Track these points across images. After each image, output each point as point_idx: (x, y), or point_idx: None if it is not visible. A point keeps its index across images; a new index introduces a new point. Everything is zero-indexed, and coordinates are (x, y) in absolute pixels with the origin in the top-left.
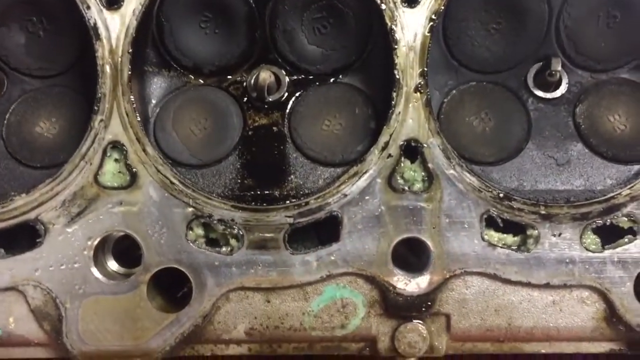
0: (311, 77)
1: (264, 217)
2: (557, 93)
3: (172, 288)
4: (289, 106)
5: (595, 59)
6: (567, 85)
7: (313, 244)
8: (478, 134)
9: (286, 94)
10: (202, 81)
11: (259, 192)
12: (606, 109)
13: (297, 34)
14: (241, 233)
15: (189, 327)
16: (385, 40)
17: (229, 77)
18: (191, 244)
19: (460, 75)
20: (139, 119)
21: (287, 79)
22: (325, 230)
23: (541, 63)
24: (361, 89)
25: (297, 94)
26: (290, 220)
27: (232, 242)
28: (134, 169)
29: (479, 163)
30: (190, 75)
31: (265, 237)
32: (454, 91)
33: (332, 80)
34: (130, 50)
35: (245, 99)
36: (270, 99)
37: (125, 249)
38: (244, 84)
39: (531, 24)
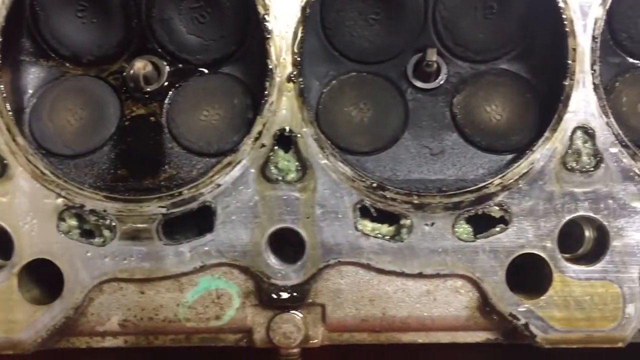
0: (191, 67)
1: (137, 207)
2: (436, 83)
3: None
4: (169, 96)
5: (474, 50)
6: (445, 75)
7: (195, 235)
8: (355, 124)
9: (166, 84)
10: (81, 71)
11: (132, 183)
12: (484, 100)
13: (175, 23)
14: (114, 224)
15: (60, 319)
16: (260, 30)
17: (108, 67)
18: (63, 234)
19: (341, 65)
20: (9, 108)
21: (167, 68)
22: (205, 221)
23: (420, 54)
24: (241, 79)
25: (177, 84)
26: (164, 210)
27: (105, 233)
28: (4, 160)
29: (354, 153)
30: (69, 65)
31: (138, 228)
32: (334, 81)
33: (212, 70)
34: (0, 40)
35: (125, 89)
36: (149, 89)
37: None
38: (124, 73)
39: (408, 15)
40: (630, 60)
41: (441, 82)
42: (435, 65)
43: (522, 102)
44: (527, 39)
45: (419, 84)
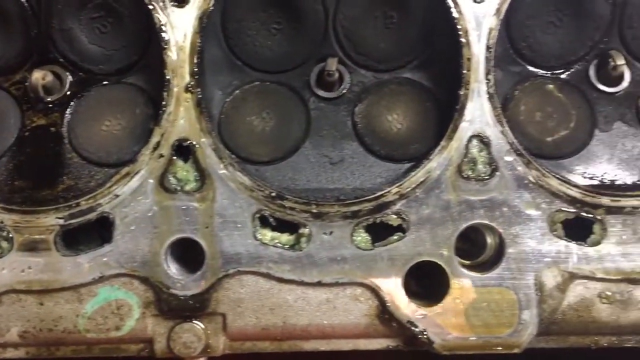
0: (94, 76)
1: (34, 219)
2: (338, 93)
3: None
4: (70, 106)
5: (376, 59)
6: (348, 84)
7: (98, 246)
8: (257, 134)
9: (68, 94)
10: None
11: (29, 194)
12: (385, 108)
13: (75, 33)
14: (11, 235)
15: None
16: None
17: (10, 77)
18: None
19: (245, 75)
20: None
21: (69, 78)
22: (108, 232)
23: (323, 63)
24: (143, 88)
25: (80, 94)
26: (61, 221)
27: (3, 244)
28: None
29: (254, 162)
30: None
31: (35, 239)
32: (238, 91)
33: (115, 80)
34: None
35: (27, 99)
36: (50, 99)
37: None
38: (26, 83)
39: (310, 25)
40: (530, 68)
41: (344, 91)
42: (336, 75)
43: (422, 111)
44: (428, 49)
45: (321, 93)
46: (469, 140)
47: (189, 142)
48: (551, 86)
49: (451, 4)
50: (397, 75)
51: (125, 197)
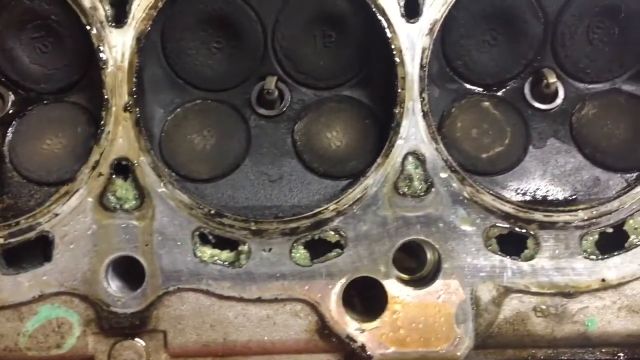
0: (36, 95)
1: None
2: (278, 110)
3: None
4: (12, 125)
5: (316, 77)
6: (288, 102)
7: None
8: (198, 152)
9: (10, 112)
10: None
11: None
12: (324, 126)
13: (17, 53)
14: None
15: None
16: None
17: None
18: None
19: (186, 93)
20: None
21: (11, 97)
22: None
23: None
24: (85, 107)
25: (22, 113)
26: (1, 240)
27: None
28: None
29: (194, 180)
30: None
31: None
32: (179, 109)
33: (57, 98)
34: None
35: None
36: None
37: None
38: None
39: (249, 44)
40: (467, 86)
41: (284, 109)
42: (276, 93)
43: (361, 128)
44: (366, 67)
45: (262, 111)
46: (405, 157)
47: (127, 160)
48: (487, 103)
49: (385, 24)
50: (337, 92)
51: (64, 215)
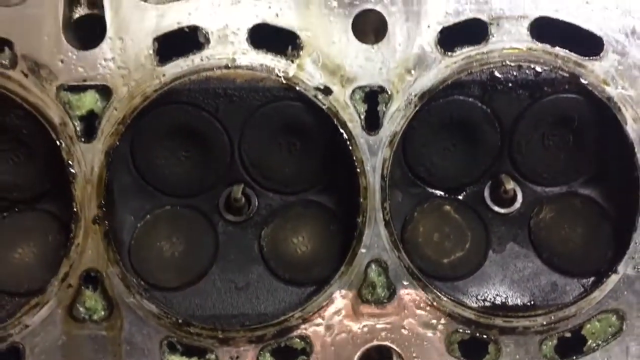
0: (7, 203)
1: None
2: (246, 216)
3: None
4: None
5: (283, 183)
6: (256, 207)
7: None
8: (167, 259)
9: None
10: None
11: None
12: (291, 231)
13: None
14: None
15: None
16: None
17: None
18: None
19: (156, 199)
20: None
21: None
22: None
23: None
24: (57, 215)
25: None
26: None
27: None
28: None
29: (162, 289)
30: None
31: None
32: (149, 216)
33: (28, 206)
34: None
35: None
36: None
37: None
38: None
39: (216, 153)
40: (429, 190)
41: (251, 215)
42: (243, 200)
43: (326, 234)
44: (331, 174)
45: (230, 217)
46: (368, 265)
47: (96, 272)
48: (448, 207)
49: (346, 136)
50: (303, 197)
51: (35, 327)
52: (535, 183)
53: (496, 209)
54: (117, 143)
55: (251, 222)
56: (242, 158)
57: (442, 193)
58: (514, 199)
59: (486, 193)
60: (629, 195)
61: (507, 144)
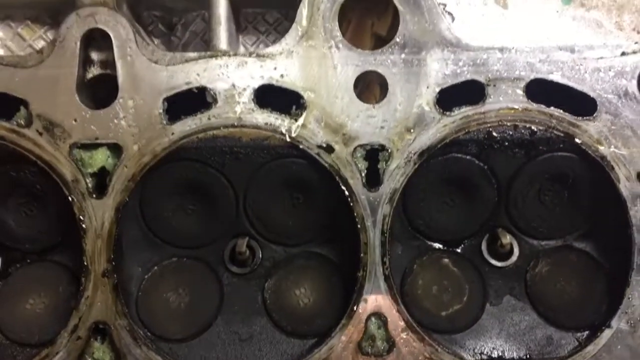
0: (20, 254)
1: None
2: (250, 268)
3: None
4: None
5: (286, 236)
6: (260, 259)
7: None
8: (173, 310)
9: None
10: None
11: None
12: (293, 283)
13: (3, 217)
14: None
15: None
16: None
17: None
18: None
19: (163, 251)
20: None
21: None
22: None
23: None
24: (68, 266)
25: (6, 273)
26: None
27: None
28: None
29: (168, 340)
30: None
31: None
32: (156, 267)
33: (40, 258)
34: None
35: None
36: None
37: None
38: None
39: (222, 206)
40: (429, 242)
41: (255, 267)
42: (247, 253)
43: (328, 286)
44: (333, 227)
45: (234, 269)
46: (368, 318)
47: (105, 324)
48: (447, 260)
49: (347, 193)
50: (306, 249)
51: None
52: (531, 237)
53: (493, 262)
54: (127, 199)
55: (255, 274)
56: (247, 212)
57: (441, 246)
58: (510, 252)
59: (484, 246)
60: (622, 251)
61: (504, 199)
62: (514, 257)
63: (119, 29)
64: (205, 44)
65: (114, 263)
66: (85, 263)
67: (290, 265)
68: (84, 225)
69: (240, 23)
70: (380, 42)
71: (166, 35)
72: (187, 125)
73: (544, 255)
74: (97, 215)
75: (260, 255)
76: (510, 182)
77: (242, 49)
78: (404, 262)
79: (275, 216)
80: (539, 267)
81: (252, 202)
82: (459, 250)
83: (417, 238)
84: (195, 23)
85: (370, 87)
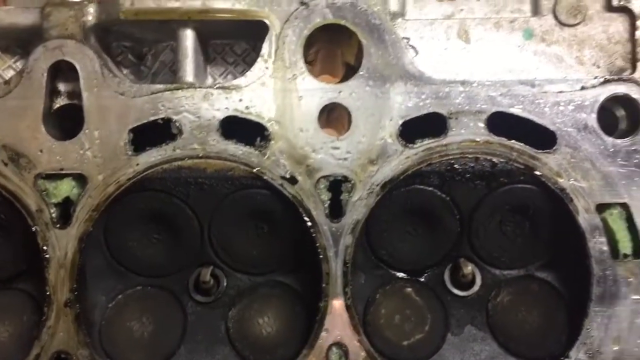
0: None
1: None
2: (214, 297)
3: None
4: None
5: (251, 264)
6: (224, 288)
7: None
8: (136, 339)
9: None
10: None
11: None
12: (257, 312)
13: None
14: None
15: None
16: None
17: None
18: None
19: (128, 280)
20: None
21: None
22: None
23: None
24: (32, 294)
25: None
26: None
27: None
28: None
29: None
30: None
31: None
32: (120, 296)
33: (4, 286)
34: None
35: None
36: None
37: None
38: None
39: (186, 236)
40: (392, 272)
41: (220, 296)
42: (211, 282)
43: (291, 315)
44: (296, 256)
45: (199, 297)
46: (329, 348)
47: (67, 354)
48: (410, 289)
49: (310, 223)
50: (271, 278)
51: None
52: (493, 266)
53: (456, 291)
54: (91, 229)
55: (220, 303)
56: (212, 241)
57: (405, 275)
58: (472, 282)
59: (446, 276)
60: (581, 282)
61: (466, 230)
62: (476, 287)
63: (86, 61)
64: (174, 74)
65: (76, 293)
66: (48, 293)
67: (254, 294)
68: (47, 255)
69: (209, 54)
70: (352, 70)
71: (136, 65)
72: (152, 156)
73: (506, 285)
74: (61, 245)
75: (225, 284)
76: (472, 213)
77: (210, 80)
78: (367, 292)
79: (240, 246)
80: (500, 296)
81: (216, 232)
82: (422, 280)
83: (381, 267)
84: (165, 53)
85: (339, 118)
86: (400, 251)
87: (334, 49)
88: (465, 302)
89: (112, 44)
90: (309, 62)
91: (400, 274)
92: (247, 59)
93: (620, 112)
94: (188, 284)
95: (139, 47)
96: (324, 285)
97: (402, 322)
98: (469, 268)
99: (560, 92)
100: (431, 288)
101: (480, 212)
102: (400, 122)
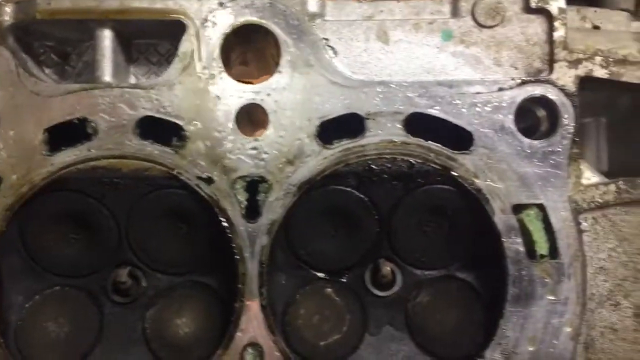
0: None
1: None
2: (131, 298)
3: None
4: None
5: (169, 264)
6: (144, 288)
7: None
8: (51, 340)
9: None
10: None
11: None
12: (175, 312)
13: None
14: None
15: None
16: None
17: None
18: None
19: (46, 280)
20: None
21: None
22: None
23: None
24: None
25: None
26: None
27: None
28: None
29: None
30: None
31: None
32: (37, 296)
33: None
34: None
35: None
36: None
37: None
38: None
39: (104, 236)
40: (313, 272)
41: (138, 296)
42: (128, 282)
43: (209, 316)
44: (214, 257)
45: (117, 298)
46: (244, 348)
47: None
48: (329, 290)
49: (226, 223)
50: (189, 278)
51: None
52: (414, 267)
53: (376, 292)
54: (5, 228)
55: (138, 304)
56: (129, 241)
57: (325, 275)
58: (392, 282)
59: (367, 276)
60: (498, 283)
61: (385, 230)
62: (396, 287)
63: (1, 60)
64: None
65: None
66: None
67: (172, 295)
68: None
69: (132, 54)
70: None
71: (60, 65)
72: (68, 156)
73: (426, 285)
74: None
75: (145, 285)
76: (391, 214)
77: (132, 80)
78: (287, 292)
79: (159, 246)
80: (420, 297)
81: (134, 232)
82: (343, 280)
83: (302, 268)
84: (88, 53)
85: (264, 119)
86: (320, 251)
87: (263, 49)
88: (384, 302)
89: (34, 43)
90: (241, 64)
91: (321, 274)
92: (170, 59)
93: (542, 113)
94: (107, 284)
95: (62, 46)
96: (239, 285)
97: (321, 323)
98: (387, 268)
99: (478, 93)
100: (352, 288)
101: (398, 212)
102: (318, 122)
